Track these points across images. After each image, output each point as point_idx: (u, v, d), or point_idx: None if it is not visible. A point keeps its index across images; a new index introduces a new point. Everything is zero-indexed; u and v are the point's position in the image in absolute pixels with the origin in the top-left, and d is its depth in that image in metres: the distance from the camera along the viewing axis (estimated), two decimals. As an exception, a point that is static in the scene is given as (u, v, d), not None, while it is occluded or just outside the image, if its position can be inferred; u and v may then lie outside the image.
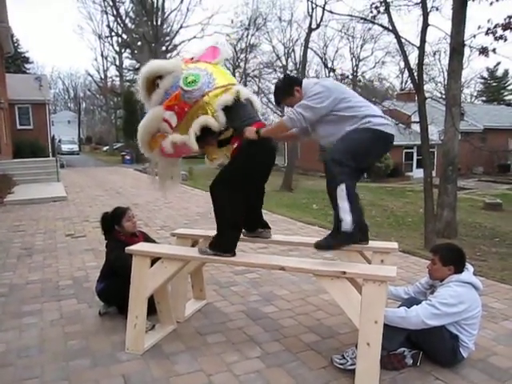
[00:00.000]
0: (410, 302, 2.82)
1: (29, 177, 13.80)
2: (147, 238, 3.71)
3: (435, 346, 2.69)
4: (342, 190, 2.58)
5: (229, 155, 3.28)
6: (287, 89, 2.88)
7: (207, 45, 3.40)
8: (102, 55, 40.85)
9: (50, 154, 20.23)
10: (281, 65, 31.12)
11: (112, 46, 38.96)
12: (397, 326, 2.62)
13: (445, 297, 2.67)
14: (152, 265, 2.96)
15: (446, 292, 2.70)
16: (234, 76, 35.16)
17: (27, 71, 39.76)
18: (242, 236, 3.32)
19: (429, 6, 7.44)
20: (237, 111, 2.92)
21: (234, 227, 2.94)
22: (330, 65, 31.89)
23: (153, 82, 3.09)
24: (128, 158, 28.37)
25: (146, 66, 3.09)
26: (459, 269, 2.81)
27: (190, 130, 2.94)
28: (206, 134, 2.97)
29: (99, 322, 3.45)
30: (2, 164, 14.07)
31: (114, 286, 3.39)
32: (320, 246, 2.67)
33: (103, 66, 41.52)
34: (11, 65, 32.14)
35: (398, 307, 2.80)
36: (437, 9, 8.23)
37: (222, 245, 2.88)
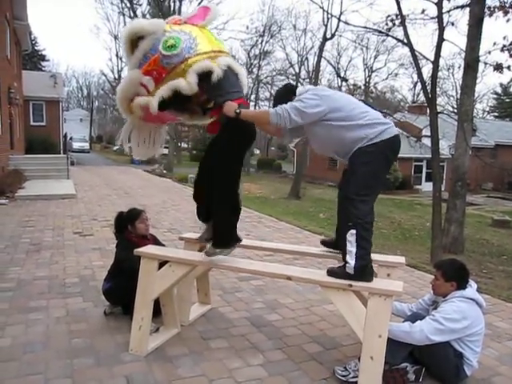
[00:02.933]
0: (414, 317, 2.82)
1: (39, 173, 13.94)
2: (157, 242, 3.73)
3: (439, 362, 2.68)
4: (351, 234, 2.58)
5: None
6: (284, 97, 2.82)
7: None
8: (116, 55, 41.15)
9: (61, 151, 20.47)
10: (294, 72, 31.27)
11: (127, 46, 39.33)
12: (401, 340, 2.62)
13: (449, 312, 2.66)
14: (160, 268, 2.99)
15: (450, 307, 2.70)
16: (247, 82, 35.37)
17: (43, 69, 40.22)
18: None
19: (445, 20, 7.45)
20: (218, 81, 2.70)
21: (234, 211, 2.89)
22: (342, 74, 31.98)
23: (136, 44, 2.87)
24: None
25: (127, 26, 2.95)
26: (462, 285, 2.80)
27: (157, 91, 2.75)
28: (183, 100, 2.84)
29: (104, 322, 3.48)
30: (13, 159, 14.26)
31: (120, 286, 3.41)
32: (334, 273, 2.65)
33: (118, 66, 41.81)
34: (28, 62, 32.55)
35: (403, 322, 2.80)
36: (452, 24, 8.22)
37: (225, 238, 2.87)
